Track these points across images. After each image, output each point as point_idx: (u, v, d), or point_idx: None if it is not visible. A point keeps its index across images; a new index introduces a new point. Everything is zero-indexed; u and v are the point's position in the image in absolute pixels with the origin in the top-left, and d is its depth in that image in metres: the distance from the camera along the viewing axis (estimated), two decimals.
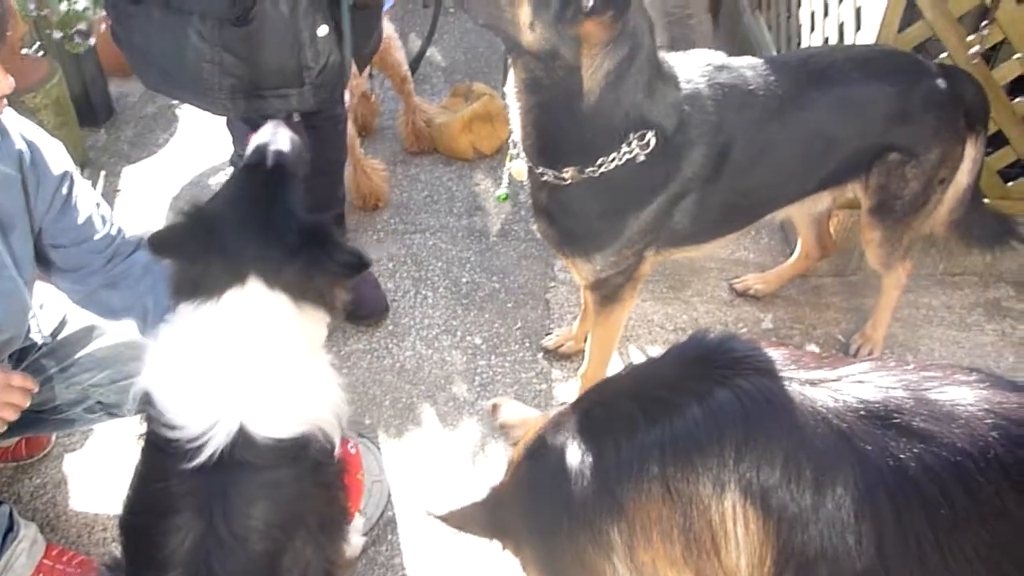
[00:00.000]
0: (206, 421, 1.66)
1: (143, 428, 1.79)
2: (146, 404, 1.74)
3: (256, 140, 1.94)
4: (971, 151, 2.68)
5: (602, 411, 1.63)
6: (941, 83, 2.55)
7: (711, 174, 2.37)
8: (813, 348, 3.13)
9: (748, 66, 2.44)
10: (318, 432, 1.76)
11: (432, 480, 2.70)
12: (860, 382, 1.46)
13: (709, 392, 1.49)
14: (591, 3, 2.03)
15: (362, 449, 2.77)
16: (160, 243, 1.79)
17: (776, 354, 1.54)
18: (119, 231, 2.23)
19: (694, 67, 2.37)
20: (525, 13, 2.07)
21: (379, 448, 2.79)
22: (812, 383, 1.47)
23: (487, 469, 2.71)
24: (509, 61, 2.28)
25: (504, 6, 2.09)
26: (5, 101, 1.91)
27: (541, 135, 2.31)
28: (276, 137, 1.92)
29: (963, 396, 1.42)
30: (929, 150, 2.56)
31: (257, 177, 1.88)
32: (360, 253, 1.78)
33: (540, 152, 2.33)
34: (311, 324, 1.81)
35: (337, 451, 1.85)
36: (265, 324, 1.74)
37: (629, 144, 2.24)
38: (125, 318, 2.24)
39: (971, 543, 1.35)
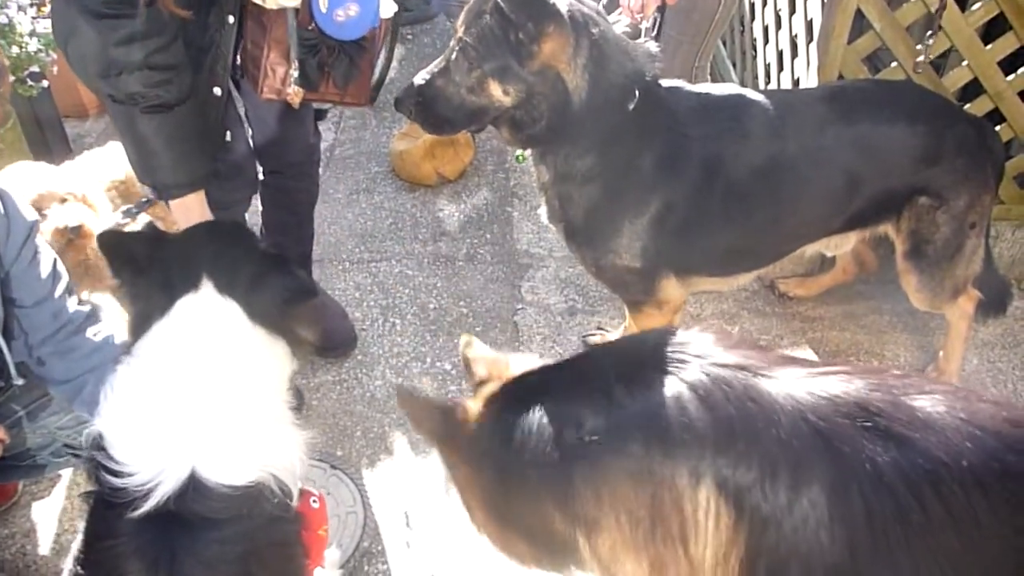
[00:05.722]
0: (155, 465, 1.60)
1: (89, 486, 1.71)
2: (96, 449, 1.67)
3: None
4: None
5: (583, 379, 1.62)
6: (971, 129, 2.58)
7: (697, 178, 2.40)
8: None
9: (768, 93, 2.54)
10: (272, 481, 1.68)
11: (407, 509, 2.68)
12: (841, 383, 1.46)
13: (695, 382, 1.48)
14: (530, 31, 2.13)
15: (335, 480, 2.75)
16: (110, 240, 1.81)
17: (759, 352, 1.55)
18: (72, 292, 2.20)
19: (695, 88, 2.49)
20: (496, 88, 2.22)
21: (352, 479, 2.76)
22: (794, 380, 1.47)
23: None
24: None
25: (477, 98, 2.25)
26: None
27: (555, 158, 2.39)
28: None
29: (939, 404, 1.43)
30: (959, 195, 2.56)
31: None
32: (307, 281, 1.79)
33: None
34: (269, 354, 1.79)
35: (295, 503, 1.78)
36: (220, 341, 1.72)
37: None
38: (59, 390, 2.20)
39: (942, 549, 1.36)
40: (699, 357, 1.52)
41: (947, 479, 1.36)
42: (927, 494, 1.36)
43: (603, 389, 1.54)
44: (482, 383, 1.78)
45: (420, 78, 2.32)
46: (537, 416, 1.59)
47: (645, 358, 1.59)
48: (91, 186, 2.81)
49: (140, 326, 1.78)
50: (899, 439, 1.39)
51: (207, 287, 1.76)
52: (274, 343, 1.81)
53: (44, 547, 2.59)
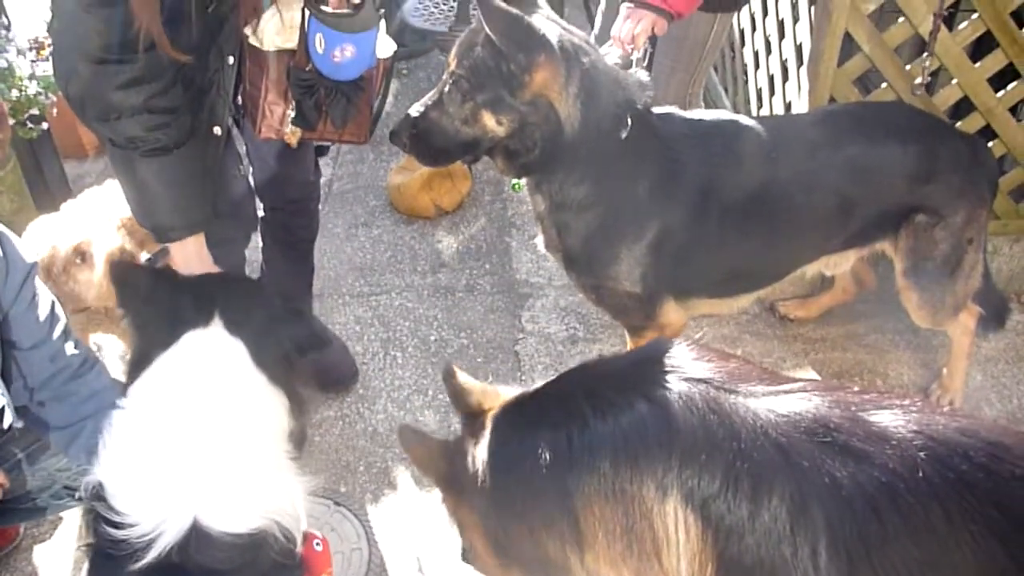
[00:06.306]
0: (157, 514, 1.56)
1: (88, 538, 1.67)
2: (95, 499, 1.62)
3: None
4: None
5: (556, 403, 1.65)
6: (964, 145, 2.60)
7: (695, 201, 2.42)
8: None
9: (760, 119, 2.58)
10: (275, 528, 1.65)
11: (412, 544, 2.66)
12: (800, 400, 1.49)
13: (659, 397, 1.52)
14: (521, 62, 2.16)
15: (339, 517, 2.74)
16: (122, 270, 1.81)
17: (723, 365, 1.57)
18: (70, 336, 2.18)
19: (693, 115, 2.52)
20: (489, 119, 2.25)
21: (356, 515, 2.75)
22: (755, 396, 1.50)
23: None
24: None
25: (471, 129, 2.28)
26: None
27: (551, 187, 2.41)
28: None
29: (895, 418, 1.46)
30: (955, 212, 2.58)
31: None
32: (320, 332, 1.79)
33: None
34: (270, 399, 1.77)
35: (298, 550, 1.74)
36: (223, 382, 1.70)
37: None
38: (56, 436, 2.16)
39: (901, 559, 1.38)
40: (668, 372, 1.55)
41: (903, 491, 1.38)
42: (884, 506, 1.38)
43: (577, 412, 1.57)
44: (471, 414, 1.79)
45: (414, 111, 2.35)
46: (519, 445, 1.62)
47: (615, 377, 1.64)
48: (111, 230, 2.80)
49: (141, 360, 1.76)
50: (857, 454, 1.41)
51: (217, 324, 1.76)
52: (274, 393, 1.80)
53: None
